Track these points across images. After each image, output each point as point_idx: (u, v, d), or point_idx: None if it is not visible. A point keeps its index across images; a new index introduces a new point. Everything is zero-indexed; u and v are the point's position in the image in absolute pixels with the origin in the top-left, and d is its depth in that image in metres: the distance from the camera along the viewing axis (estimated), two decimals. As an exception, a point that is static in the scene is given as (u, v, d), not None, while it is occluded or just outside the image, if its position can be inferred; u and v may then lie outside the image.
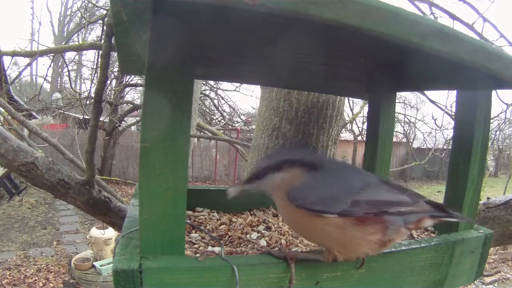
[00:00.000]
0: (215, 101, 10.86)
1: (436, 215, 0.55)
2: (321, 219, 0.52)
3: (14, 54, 2.48)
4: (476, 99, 0.72)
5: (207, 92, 10.36)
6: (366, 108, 3.19)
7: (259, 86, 1.69)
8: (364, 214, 0.52)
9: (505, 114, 4.63)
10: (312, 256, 0.57)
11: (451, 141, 2.23)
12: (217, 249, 0.62)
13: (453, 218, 0.57)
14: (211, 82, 9.52)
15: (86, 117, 3.55)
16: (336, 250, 0.54)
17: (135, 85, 8.40)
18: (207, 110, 11.13)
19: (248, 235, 0.74)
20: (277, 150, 0.62)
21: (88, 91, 4.65)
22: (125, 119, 9.36)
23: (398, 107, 9.25)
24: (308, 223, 0.54)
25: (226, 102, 10.86)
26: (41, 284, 4.28)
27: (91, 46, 2.51)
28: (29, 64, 2.66)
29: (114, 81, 8.45)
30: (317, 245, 0.72)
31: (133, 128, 9.91)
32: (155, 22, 0.46)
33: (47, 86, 14.45)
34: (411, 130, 8.77)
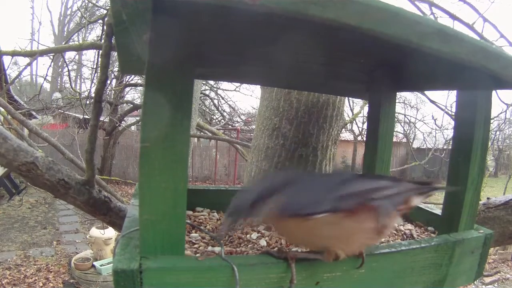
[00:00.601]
0: (215, 101, 10.86)
1: (422, 190, 0.56)
2: (315, 221, 0.52)
3: (14, 54, 2.48)
4: (476, 99, 0.72)
5: (207, 92, 10.36)
6: (366, 108, 3.19)
7: (259, 86, 1.69)
8: (354, 205, 0.52)
9: (505, 114, 4.64)
10: (312, 256, 0.57)
11: (451, 141, 2.24)
12: (217, 249, 0.62)
13: (438, 190, 0.59)
14: (211, 82, 9.53)
15: (86, 117, 3.55)
16: (338, 248, 0.54)
17: (135, 85, 8.39)
18: (207, 110, 11.13)
19: (248, 235, 0.74)
20: (251, 186, 0.61)
21: (88, 91, 4.66)
22: (125, 119, 9.36)
23: (398, 107, 9.24)
24: (305, 230, 0.54)
25: (226, 102, 10.87)
26: (41, 284, 4.28)
27: (91, 46, 2.51)
28: (29, 64, 2.66)
29: (114, 81, 8.46)
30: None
31: (133, 128, 9.91)
32: (155, 22, 0.46)
33: (47, 86, 14.46)
34: (411, 130, 8.78)
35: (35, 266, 4.72)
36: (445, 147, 7.96)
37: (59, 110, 8.80)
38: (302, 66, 0.80)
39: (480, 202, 1.17)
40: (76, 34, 8.21)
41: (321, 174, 0.66)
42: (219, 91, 10.44)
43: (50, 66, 3.82)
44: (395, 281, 0.64)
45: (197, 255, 0.56)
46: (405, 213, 0.57)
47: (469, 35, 0.49)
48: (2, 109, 1.92)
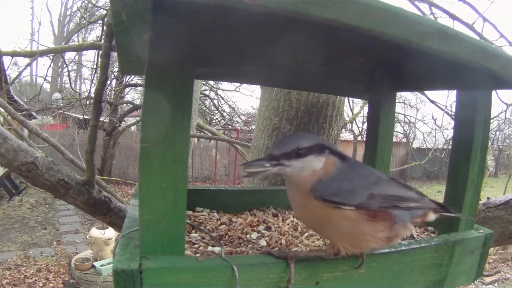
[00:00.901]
0: (215, 101, 10.86)
1: (439, 210, 0.58)
2: (337, 211, 0.52)
3: (14, 54, 2.48)
4: (476, 99, 0.72)
5: (207, 92, 10.36)
6: (366, 108, 3.19)
7: (259, 86, 1.69)
8: (378, 207, 0.53)
9: (505, 114, 4.63)
10: (313, 254, 0.57)
11: (451, 141, 2.23)
12: (217, 249, 0.62)
13: (453, 214, 0.61)
14: (211, 82, 9.53)
15: (86, 117, 3.55)
16: (342, 244, 0.54)
17: (135, 85, 8.40)
18: (207, 110, 11.13)
19: (248, 235, 0.74)
20: (305, 133, 0.58)
21: (88, 91, 4.66)
22: (125, 119, 9.36)
23: (398, 107, 9.23)
24: (322, 215, 0.54)
25: (226, 102, 10.87)
26: (41, 284, 4.28)
27: (91, 46, 2.51)
28: (29, 64, 2.66)
29: (114, 81, 8.46)
30: (317, 246, 0.72)
31: (133, 128, 9.91)
32: (155, 22, 0.46)
33: (47, 86, 14.47)
34: (411, 130, 8.76)
35: (35, 267, 4.72)
36: (445, 147, 7.96)
37: (59, 111, 8.82)
38: (302, 66, 0.80)
39: (480, 202, 1.17)
40: (76, 34, 8.19)
41: (360, 164, 0.66)
42: (219, 91, 10.45)
43: (50, 66, 3.83)
44: (395, 281, 0.64)
45: (197, 255, 0.56)
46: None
47: (469, 35, 0.49)
48: (2, 110, 1.93)
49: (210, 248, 0.64)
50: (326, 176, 0.54)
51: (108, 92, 8.04)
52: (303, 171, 0.53)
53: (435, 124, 6.49)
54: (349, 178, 0.56)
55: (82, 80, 17.12)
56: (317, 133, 1.28)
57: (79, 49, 2.74)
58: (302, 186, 0.54)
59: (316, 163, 0.53)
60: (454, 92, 0.79)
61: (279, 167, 0.52)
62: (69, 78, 5.51)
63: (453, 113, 2.78)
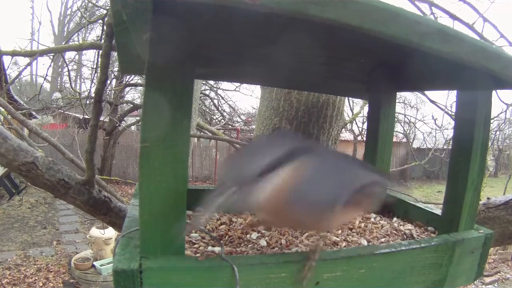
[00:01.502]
0: (215, 101, 10.86)
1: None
2: (311, 216, 0.52)
3: (14, 54, 2.47)
4: (476, 99, 0.72)
5: (207, 92, 10.36)
6: (366, 108, 3.19)
7: (259, 86, 1.69)
8: (354, 199, 0.51)
9: (505, 114, 4.63)
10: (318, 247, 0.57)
11: (451, 141, 2.23)
12: (217, 249, 0.62)
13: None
14: (211, 82, 9.54)
15: (86, 116, 3.55)
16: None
17: (135, 85, 8.40)
18: (207, 110, 11.13)
19: (248, 235, 0.74)
20: (271, 139, 0.55)
21: (88, 90, 4.66)
22: (125, 119, 9.36)
23: (398, 107, 9.23)
24: (303, 219, 0.53)
25: (226, 102, 10.88)
26: (41, 284, 4.29)
27: (91, 46, 2.51)
28: (29, 64, 2.66)
29: (114, 81, 8.47)
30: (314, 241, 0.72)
31: (133, 128, 9.92)
32: (155, 22, 0.46)
33: (47, 85, 14.46)
34: (411, 130, 8.77)
35: (35, 266, 4.72)
36: (445, 147, 7.96)
37: (59, 110, 8.80)
38: (302, 66, 0.80)
39: (480, 202, 1.17)
40: (76, 34, 8.21)
41: (330, 153, 0.64)
42: (219, 91, 10.46)
43: (50, 66, 3.81)
44: (395, 281, 0.64)
45: (197, 255, 0.56)
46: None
47: (469, 35, 0.49)
48: (2, 109, 1.93)
49: (210, 248, 0.64)
50: (297, 184, 0.50)
51: (108, 91, 8.04)
52: (270, 189, 0.47)
53: (435, 124, 6.51)
54: (323, 179, 0.53)
55: (82, 80, 17.14)
56: (317, 133, 1.28)
57: (79, 48, 2.73)
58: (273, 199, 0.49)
59: (282, 175, 0.48)
60: (454, 92, 0.79)
61: (239, 195, 0.45)
62: (69, 78, 5.49)
63: (453, 113, 2.78)
